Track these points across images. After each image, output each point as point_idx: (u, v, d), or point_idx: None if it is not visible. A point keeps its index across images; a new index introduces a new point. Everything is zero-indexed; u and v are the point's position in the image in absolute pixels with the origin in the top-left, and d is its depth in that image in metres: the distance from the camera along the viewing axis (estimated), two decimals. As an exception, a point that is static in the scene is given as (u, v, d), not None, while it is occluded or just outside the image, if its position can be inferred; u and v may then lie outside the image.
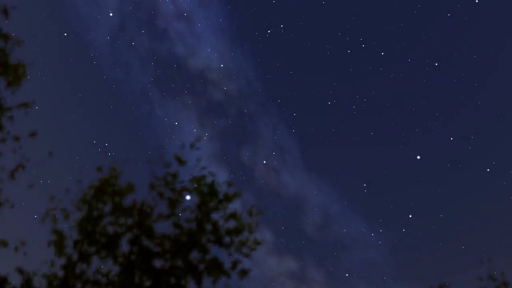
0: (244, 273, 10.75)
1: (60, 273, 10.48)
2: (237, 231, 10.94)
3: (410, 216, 28.09)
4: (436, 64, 29.52)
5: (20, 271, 10.37)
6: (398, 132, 31.30)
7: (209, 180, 11.15)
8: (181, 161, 11.21)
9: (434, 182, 30.53)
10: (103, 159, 11.18)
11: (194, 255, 10.80)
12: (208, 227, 10.94)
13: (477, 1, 28.16)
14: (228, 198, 11.09)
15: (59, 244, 10.60)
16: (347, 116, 31.74)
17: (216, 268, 10.70)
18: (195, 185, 11.09)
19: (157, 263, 10.70)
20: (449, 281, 12.46)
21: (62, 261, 10.59)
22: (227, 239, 10.94)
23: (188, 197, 10.96)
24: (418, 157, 29.15)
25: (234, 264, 10.78)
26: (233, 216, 11.02)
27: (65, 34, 26.97)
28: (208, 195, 11.06)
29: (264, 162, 29.60)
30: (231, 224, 11.04)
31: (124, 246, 10.79)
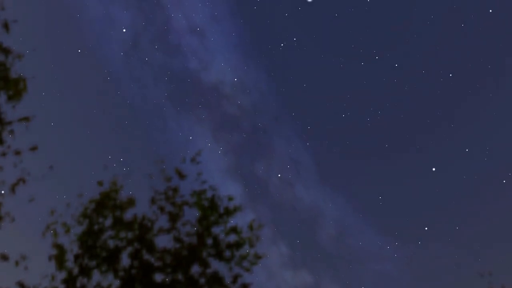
0: (244, 287, 10.75)
1: (61, 287, 10.48)
2: (237, 245, 10.94)
3: (426, 228, 28.11)
4: (451, 75, 29.52)
5: (21, 285, 10.37)
6: (413, 144, 31.36)
7: (209, 194, 11.15)
8: (181, 175, 11.20)
9: (449, 194, 30.59)
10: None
11: (195, 269, 10.80)
12: (209, 241, 10.94)
13: (491, 11, 28.12)
14: (228, 212, 11.09)
15: (59, 258, 10.60)
16: (362, 129, 31.84)
17: (216, 282, 10.70)
18: (196, 199, 11.08)
19: (158, 277, 10.70)
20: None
21: (62, 275, 10.60)
22: (227, 253, 10.94)
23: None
24: (434, 169, 29.16)
25: (235, 278, 10.78)
26: (234, 230, 11.02)
27: (79, 51, 27.16)
28: (209, 209, 11.06)
29: (279, 175, 29.76)
30: (232, 238, 11.05)
31: (125, 260, 10.80)
